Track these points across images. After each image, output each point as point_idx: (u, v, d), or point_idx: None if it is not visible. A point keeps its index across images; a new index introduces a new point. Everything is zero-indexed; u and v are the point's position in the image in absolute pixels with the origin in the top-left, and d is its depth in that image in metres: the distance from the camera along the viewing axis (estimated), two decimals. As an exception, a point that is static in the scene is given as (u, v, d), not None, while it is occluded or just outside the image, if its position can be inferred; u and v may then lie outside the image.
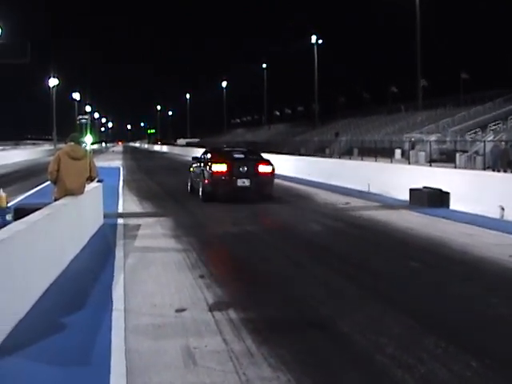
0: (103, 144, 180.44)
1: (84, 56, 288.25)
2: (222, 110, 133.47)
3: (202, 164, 19.52)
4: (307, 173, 27.77)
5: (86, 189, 11.29)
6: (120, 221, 14.11)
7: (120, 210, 16.32)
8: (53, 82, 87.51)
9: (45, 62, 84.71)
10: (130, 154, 78.37)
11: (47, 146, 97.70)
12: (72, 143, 10.97)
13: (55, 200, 10.31)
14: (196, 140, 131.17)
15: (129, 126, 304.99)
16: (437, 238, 11.90)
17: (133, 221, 14.17)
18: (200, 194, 19.13)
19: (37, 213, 8.27)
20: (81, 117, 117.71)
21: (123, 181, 26.80)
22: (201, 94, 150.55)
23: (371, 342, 5.94)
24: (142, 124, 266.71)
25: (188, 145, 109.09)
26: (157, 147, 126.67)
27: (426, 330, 6.30)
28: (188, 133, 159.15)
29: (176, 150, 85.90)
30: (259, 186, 18.55)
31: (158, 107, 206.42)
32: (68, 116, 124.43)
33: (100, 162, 35.43)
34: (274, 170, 19.13)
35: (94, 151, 66.35)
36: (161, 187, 24.38)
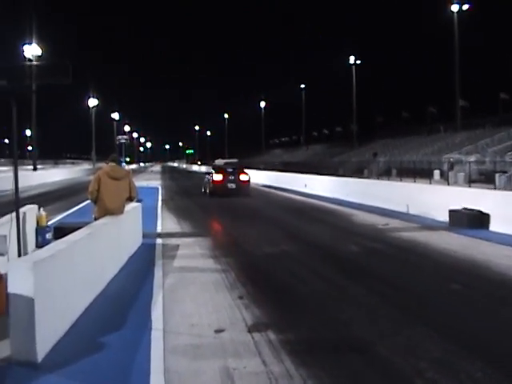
0: (142, 164, 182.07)
1: (124, 76, 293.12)
2: (260, 130, 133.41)
3: (210, 175, 30.70)
4: (345, 194, 27.61)
5: (125, 208, 11.41)
6: (159, 241, 14.20)
7: (159, 229, 16.42)
8: (92, 102, 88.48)
9: (85, 82, 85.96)
10: (169, 174, 78.86)
11: (86, 166, 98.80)
12: (112, 163, 11.09)
13: (95, 219, 10.44)
14: (234, 160, 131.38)
15: (167, 146, 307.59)
16: (477, 260, 11.72)
17: (171, 241, 14.24)
18: (208, 192, 30.26)
19: (77, 232, 8.35)
20: (120, 137, 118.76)
21: (162, 200, 27.00)
22: (239, 115, 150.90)
23: (411, 365, 5.86)
24: (180, 144, 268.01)
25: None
26: (195, 167, 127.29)
27: (467, 354, 6.19)
28: (226, 153, 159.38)
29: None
30: (241, 188, 29.36)
31: (197, 127, 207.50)
32: (107, 135, 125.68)
33: (139, 182, 35.75)
34: (249, 178, 30.45)
35: (133, 171, 67.03)
36: (199, 207, 24.44)
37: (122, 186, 10.99)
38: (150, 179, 54.00)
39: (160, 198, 28.76)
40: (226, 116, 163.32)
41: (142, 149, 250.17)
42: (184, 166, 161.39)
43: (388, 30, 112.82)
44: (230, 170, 30.60)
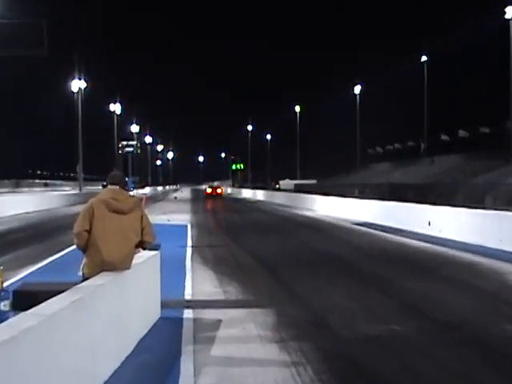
0: (159, 187, 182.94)
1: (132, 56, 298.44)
2: (353, 132, 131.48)
3: (205, 190, 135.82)
4: (498, 238, 27.14)
5: (134, 260, 11.36)
6: (188, 313, 14.19)
7: (188, 294, 16.49)
8: (77, 84, 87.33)
9: (67, 59, 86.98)
10: (203, 203, 79.26)
11: (68, 189, 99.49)
12: (114, 187, 11.03)
13: (84, 279, 10.36)
14: (311, 182, 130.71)
15: (200, 158, 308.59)
16: None
17: (208, 313, 14.26)
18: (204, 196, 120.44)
19: (54, 300, 8.30)
20: (125, 143, 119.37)
21: (192, 246, 27.21)
22: (319, 107, 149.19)
23: None
24: (223, 155, 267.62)
25: (298, 189, 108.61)
26: (247, 193, 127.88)
27: None
28: (298, 170, 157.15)
29: (277, 198, 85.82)
30: (217, 195, 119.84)
31: (249, 127, 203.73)
32: (103, 142, 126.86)
33: (155, 217, 35.95)
34: (222, 190, 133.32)
35: (147, 199, 67.41)
36: (254, 258, 24.41)
37: (128, 223, 10.90)
38: (174, 212, 54.25)
39: (189, 242, 29.00)
40: (297, 109, 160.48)
41: (159, 162, 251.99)
42: (229, 190, 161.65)
43: None
44: (214, 185, 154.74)
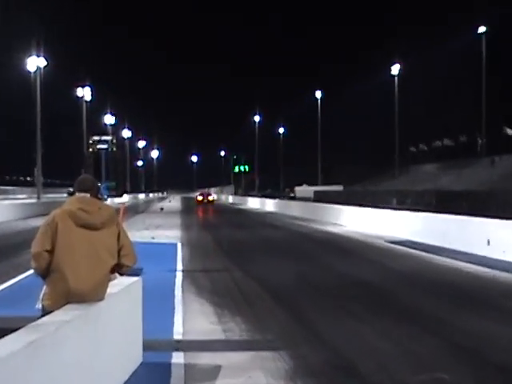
0: (141, 195, 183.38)
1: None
2: (389, 126, 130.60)
3: (196, 196, 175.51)
4: None
5: (109, 289, 11.29)
6: (177, 357, 14.13)
7: (177, 333, 16.42)
8: (35, 62, 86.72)
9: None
10: (196, 216, 79.33)
11: (24, 197, 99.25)
12: (83, 194, 10.93)
13: (45, 313, 10.27)
14: (336, 188, 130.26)
15: (194, 158, 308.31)
16: None
17: (204, 357, 14.22)
18: (195, 202, 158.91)
19: (5, 340, 8.24)
20: (97, 138, 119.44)
21: (183, 271, 27.23)
22: (345, 92, 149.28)
23: None
24: (223, 153, 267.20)
25: (318, 198, 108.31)
26: (253, 202, 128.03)
27: None
28: (319, 173, 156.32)
29: (293, 210, 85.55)
30: (208, 202, 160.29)
31: (257, 118, 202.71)
32: (69, 137, 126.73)
33: (136, 234, 35.96)
34: (214, 197, 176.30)
35: (125, 210, 67.29)
36: (262, 286, 24.35)
37: (101, 242, 10.74)
38: (160, 227, 54.27)
39: (180, 266, 29.04)
40: (318, 95, 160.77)
41: (140, 163, 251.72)
42: (230, 198, 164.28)
43: None
44: (205, 191, 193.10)
